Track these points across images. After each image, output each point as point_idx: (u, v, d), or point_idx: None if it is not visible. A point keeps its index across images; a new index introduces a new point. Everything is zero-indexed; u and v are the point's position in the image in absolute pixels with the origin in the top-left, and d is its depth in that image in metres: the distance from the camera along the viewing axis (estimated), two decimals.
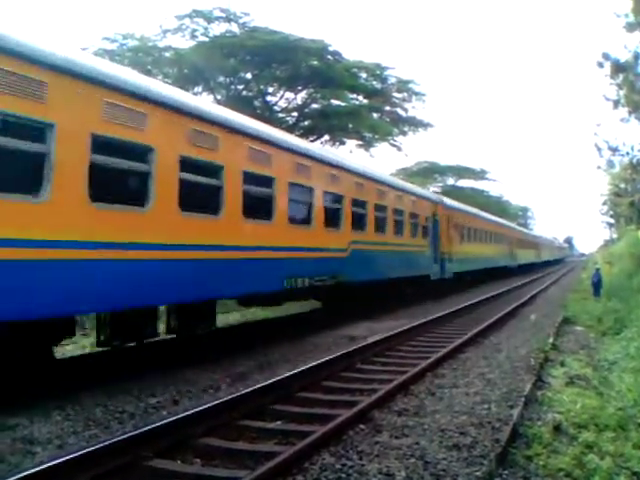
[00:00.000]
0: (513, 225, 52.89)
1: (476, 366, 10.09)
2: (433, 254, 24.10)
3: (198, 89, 31.18)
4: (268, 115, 31.06)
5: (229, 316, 17.84)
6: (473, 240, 32.38)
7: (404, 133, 39.05)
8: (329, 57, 31.61)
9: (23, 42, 7.19)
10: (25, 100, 7.02)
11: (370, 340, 12.08)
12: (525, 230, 68.25)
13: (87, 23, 74.61)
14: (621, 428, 6.84)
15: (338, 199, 15.47)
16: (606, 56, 28.86)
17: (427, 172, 63.75)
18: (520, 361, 10.39)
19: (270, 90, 33.94)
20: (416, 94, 36.12)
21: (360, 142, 38.49)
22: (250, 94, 33.46)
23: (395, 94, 36.21)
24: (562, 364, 10.31)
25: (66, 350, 12.57)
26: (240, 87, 32.50)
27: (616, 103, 31.01)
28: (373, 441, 6.12)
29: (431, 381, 8.95)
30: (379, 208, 18.15)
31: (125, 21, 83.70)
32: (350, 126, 35.73)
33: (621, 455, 5.93)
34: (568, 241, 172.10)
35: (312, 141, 31.55)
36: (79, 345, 12.92)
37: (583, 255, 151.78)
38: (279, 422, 6.88)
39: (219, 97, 31.38)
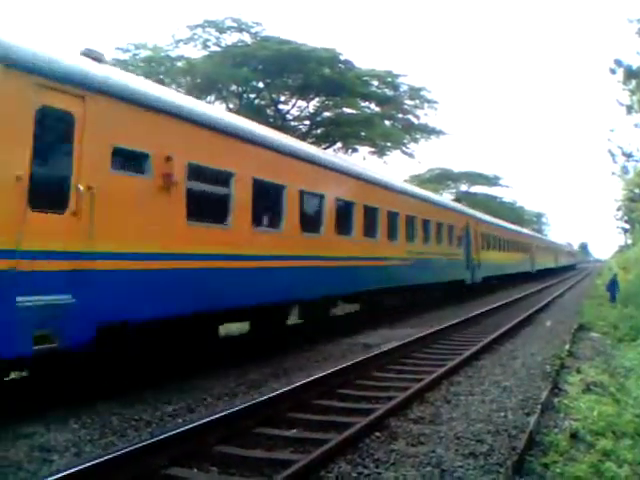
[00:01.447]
0: (474, 211, 31.47)
1: (492, 373, 10.03)
2: None
3: (211, 98, 31.40)
4: (281, 123, 31.20)
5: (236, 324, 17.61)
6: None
7: (416, 140, 39.13)
8: (341, 66, 31.69)
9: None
10: None
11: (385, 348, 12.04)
12: (502, 222, 39.81)
13: (100, 33, 75.38)
14: (639, 435, 6.78)
15: None
16: (618, 62, 28.81)
17: (440, 179, 63.77)
18: (536, 368, 10.34)
19: (282, 99, 34.14)
20: (428, 101, 36.23)
21: (373, 149, 38.58)
22: (262, 103, 33.65)
23: (407, 101, 36.32)
24: (578, 371, 10.23)
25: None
26: (252, 96, 32.69)
27: (629, 109, 30.94)
28: (389, 449, 6.10)
29: (447, 389, 8.91)
30: None
31: (138, 31, 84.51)
32: (362, 134, 35.83)
33: (639, 463, 5.88)
34: (583, 247, 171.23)
35: (325, 148, 31.61)
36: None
37: (598, 261, 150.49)
38: (295, 430, 6.88)
39: (231, 106, 31.58)
